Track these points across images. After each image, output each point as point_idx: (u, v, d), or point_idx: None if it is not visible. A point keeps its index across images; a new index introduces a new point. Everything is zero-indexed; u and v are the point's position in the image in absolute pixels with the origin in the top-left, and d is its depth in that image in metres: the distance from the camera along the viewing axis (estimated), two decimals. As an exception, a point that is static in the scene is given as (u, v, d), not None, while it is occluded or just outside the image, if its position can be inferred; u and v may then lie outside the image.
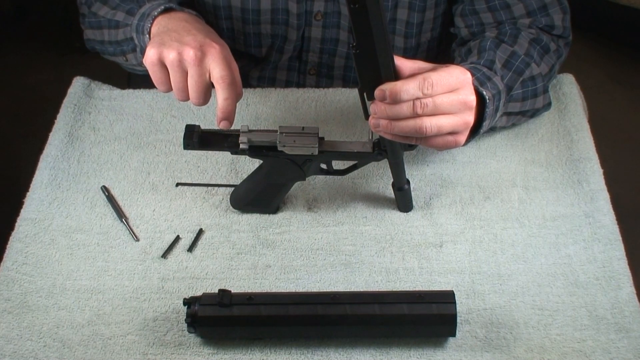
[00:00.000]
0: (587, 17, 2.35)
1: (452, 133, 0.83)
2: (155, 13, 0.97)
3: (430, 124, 0.80)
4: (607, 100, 2.29)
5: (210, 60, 0.89)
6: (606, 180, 1.03)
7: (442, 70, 0.81)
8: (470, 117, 0.84)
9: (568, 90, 1.14)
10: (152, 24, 0.97)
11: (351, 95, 1.15)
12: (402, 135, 0.82)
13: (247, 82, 1.24)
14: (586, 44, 2.39)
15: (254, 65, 1.24)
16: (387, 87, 0.78)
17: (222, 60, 0.90)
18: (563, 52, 1.10)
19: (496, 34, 1.06)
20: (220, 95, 0.89)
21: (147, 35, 0.97)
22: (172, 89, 0.92)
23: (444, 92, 0.80)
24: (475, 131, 0.93)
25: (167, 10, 0.98)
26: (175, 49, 0.89)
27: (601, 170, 1.04)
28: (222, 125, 0.90)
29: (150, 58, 0.90)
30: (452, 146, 0.85)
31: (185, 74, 0.90)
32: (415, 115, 0.79)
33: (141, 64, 1.01)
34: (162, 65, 0.90)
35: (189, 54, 0.88)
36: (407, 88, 0.78)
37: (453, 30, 1.16)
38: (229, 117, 0.90)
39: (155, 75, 0.92)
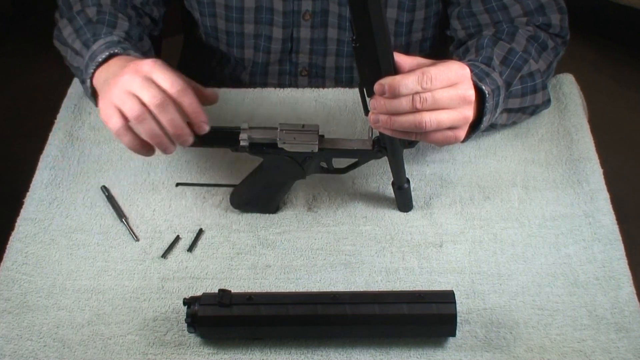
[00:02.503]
0: (587, 17, 2.35)
1: (451, 128, 0.84)
2: (100, 59, 0.95)
3: (430, 118, 0.80)
4: (607, 100, 2.28)
5: (154, 74, 0.85)
6: (606, 180, 1.03)
7: (441, 65, 0.81)
8: (469, 112, 0.84)
9: (568, 90, 1.14)
10: (95, 70, 0.96)
11: (350, 94, 1.15)
12: (401, 131, 0.82)
13: (239, 86, 1.23)
14: (586, 44, 2.39)
15: (243, 69, 1.24)
16: (386, 81, 0.78)
17: (164, 69, 0.86)
18: (560, 50, 1.10)
19: (494, 32, 1.06)
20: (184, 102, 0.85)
21: (88, 81, 0.97)
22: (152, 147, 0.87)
23: (443, 87, 0.80)
24: (475, 127, 0.93)
25: (110, 57, 0.96)
26: (122, 89, 0.85)
27: (601, 170, 1.04)
28: (203, 129, 0.87)
29: (115, 125, 0.86)
30: (451, 141, 0.85)
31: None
32: (415, 110, 0.80)
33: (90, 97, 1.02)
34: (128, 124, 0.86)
35: (135, 79, 0.84)
36: (406, 82, 0.78)
37: (449, 32, 1.16)
38: (199, 118, 0.86)
39: (133, 141, 0.87)
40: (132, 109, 0.84)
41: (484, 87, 0.91)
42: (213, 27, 1.18)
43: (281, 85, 1.24)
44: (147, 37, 1.13)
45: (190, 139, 0.87)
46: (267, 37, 1.17)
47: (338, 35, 1.17)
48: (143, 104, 0.84)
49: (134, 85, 0.84)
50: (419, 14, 1.16)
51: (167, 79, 0.85)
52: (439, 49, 1.25)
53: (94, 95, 0.99)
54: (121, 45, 0.98)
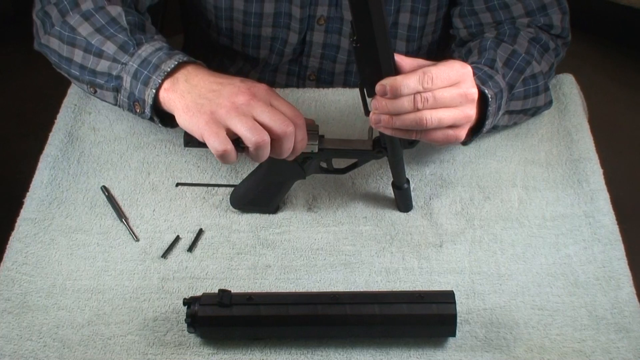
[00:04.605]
0: (587, 17, 2.35)
1: (452, 127, 0.83)
2: (168, 69, 0.89)
3: (431, 116, 0.80)
4: (607, 100, 2.28)
5: (272, 99, 0.87)
6: (606, 180, 1.03)
7: (442, 64, 0.81)
8: (471, 111, 0.84)
9: (568, 90, 1.14)
10: (163, 80, 0.89)
11: (351, 95, 1.15)
12: (402, 130, 0.82)
13: None
14: (586, 44, 2.39)
15: (252, 68, 1.24)
16: (388, 82, 0.78)
17: (279, 96, 0.88)
18: (561, 52, 1.10)
19: (495, 34, 1.06)
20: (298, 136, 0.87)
21: (153, 91, 0.90)
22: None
23: (444, 86, 0.80)
24: (477, 130, 0.93)
25: (179, 66, 0.90)
26: (232, 108, 0.84)
27: (601, 170, 1.04)
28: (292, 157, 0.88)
29: (223, 149, 0.83)
30: (452, 141, 0.85)
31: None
32: (416, 110, 0.80)
33: (121, 106, 0.96)
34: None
35: (246, 100, 0.85)
36: (408, 82, 0.78)
37: (452, 31, 1.16)
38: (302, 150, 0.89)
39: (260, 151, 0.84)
40: (256, 134, 0.83)
41: (486, 90, 0.91)
42: (229, 28, 1.18)
43: (288, 86, 1.24)
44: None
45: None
46: (282, 40, 1.17)
47: (350, 46, 1.17)
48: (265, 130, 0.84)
49: (256, 110, 0.85)
50: (431, 17, 1.16)
51: (289, 108, 0.87)
52: (445, 50, 1.25)
53: (155, 106, 0.92)
54: (179, 53, 0.92)
